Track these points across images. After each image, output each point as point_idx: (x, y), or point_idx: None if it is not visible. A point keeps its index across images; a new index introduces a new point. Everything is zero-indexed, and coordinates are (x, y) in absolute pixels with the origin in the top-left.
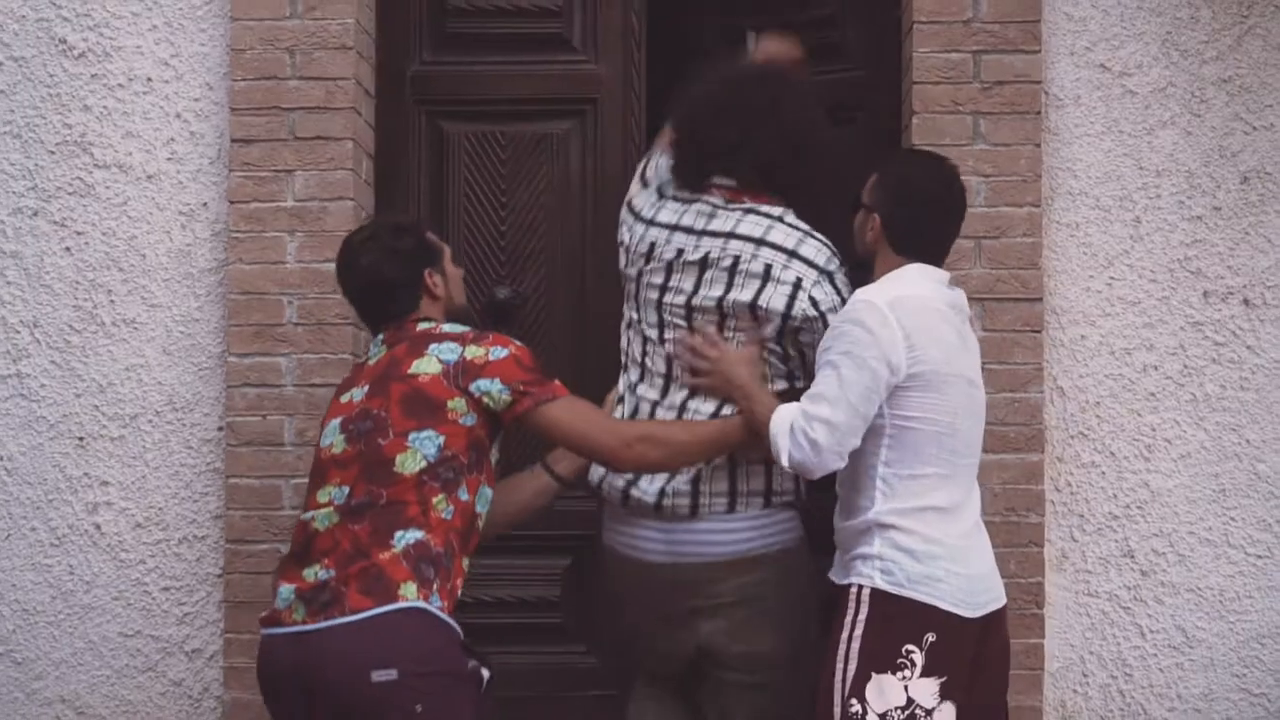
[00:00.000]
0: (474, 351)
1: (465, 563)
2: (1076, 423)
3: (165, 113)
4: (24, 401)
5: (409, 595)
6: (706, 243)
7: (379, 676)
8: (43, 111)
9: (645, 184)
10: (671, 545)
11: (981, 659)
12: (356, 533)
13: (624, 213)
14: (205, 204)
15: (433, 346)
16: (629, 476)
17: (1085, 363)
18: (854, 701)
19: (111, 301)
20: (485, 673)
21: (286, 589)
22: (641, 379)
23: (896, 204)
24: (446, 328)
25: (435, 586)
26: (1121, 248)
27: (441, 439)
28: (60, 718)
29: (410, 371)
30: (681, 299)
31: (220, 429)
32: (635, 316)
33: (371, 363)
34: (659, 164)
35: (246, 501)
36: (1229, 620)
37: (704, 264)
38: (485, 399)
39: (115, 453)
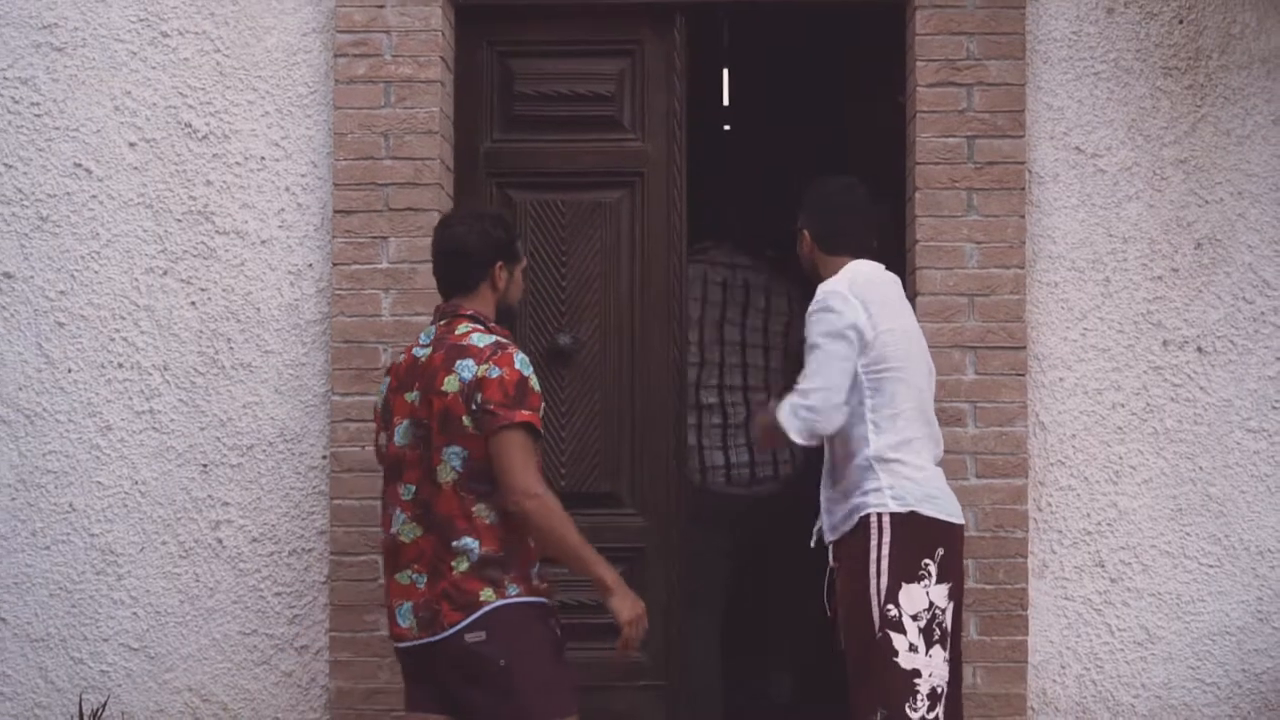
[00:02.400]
0: (482, 369)
1: (531, 541)
2: (1055, 452)
3: (276, 187)
4: (156, 434)
5: (489, 599)
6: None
7: (471, 638)
8: (171, 185)
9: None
10: (754, 491)
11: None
12: (430, 542)
13: None
14: (311, 265)
15: (459, 363)
16: (723, 462)
17: (1062, 401)
18: (890, 606)
19: (231, 348)
20: (558, 631)
21: (405, 607)
22: None
23: (818, 215)
24: (476, 339)
25: (508, 580)
26: (1093, 303)
27: (465, 452)
28: (188, 704)
29: (443, 388)
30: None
31: (325, 457)
32: None
33: (422, 360)
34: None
35: (348, 520)
36: (1185, 620)
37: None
38: (479, 412)
39: (234, 478)
